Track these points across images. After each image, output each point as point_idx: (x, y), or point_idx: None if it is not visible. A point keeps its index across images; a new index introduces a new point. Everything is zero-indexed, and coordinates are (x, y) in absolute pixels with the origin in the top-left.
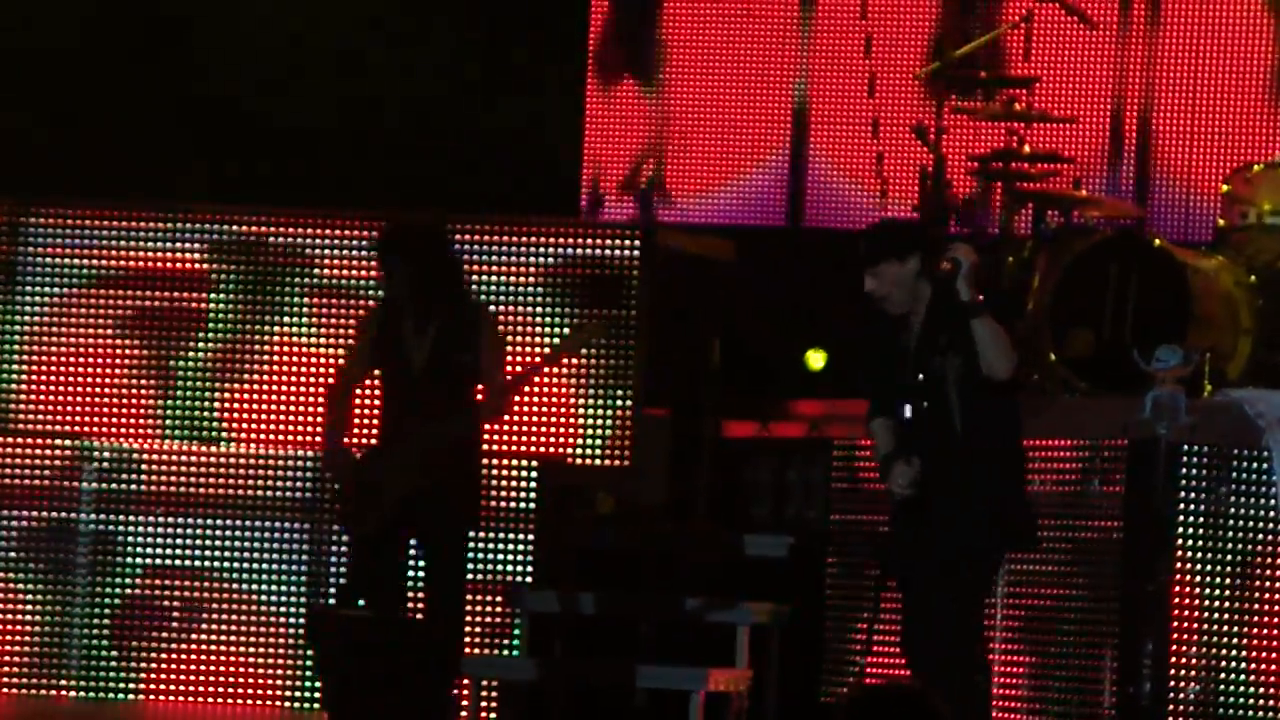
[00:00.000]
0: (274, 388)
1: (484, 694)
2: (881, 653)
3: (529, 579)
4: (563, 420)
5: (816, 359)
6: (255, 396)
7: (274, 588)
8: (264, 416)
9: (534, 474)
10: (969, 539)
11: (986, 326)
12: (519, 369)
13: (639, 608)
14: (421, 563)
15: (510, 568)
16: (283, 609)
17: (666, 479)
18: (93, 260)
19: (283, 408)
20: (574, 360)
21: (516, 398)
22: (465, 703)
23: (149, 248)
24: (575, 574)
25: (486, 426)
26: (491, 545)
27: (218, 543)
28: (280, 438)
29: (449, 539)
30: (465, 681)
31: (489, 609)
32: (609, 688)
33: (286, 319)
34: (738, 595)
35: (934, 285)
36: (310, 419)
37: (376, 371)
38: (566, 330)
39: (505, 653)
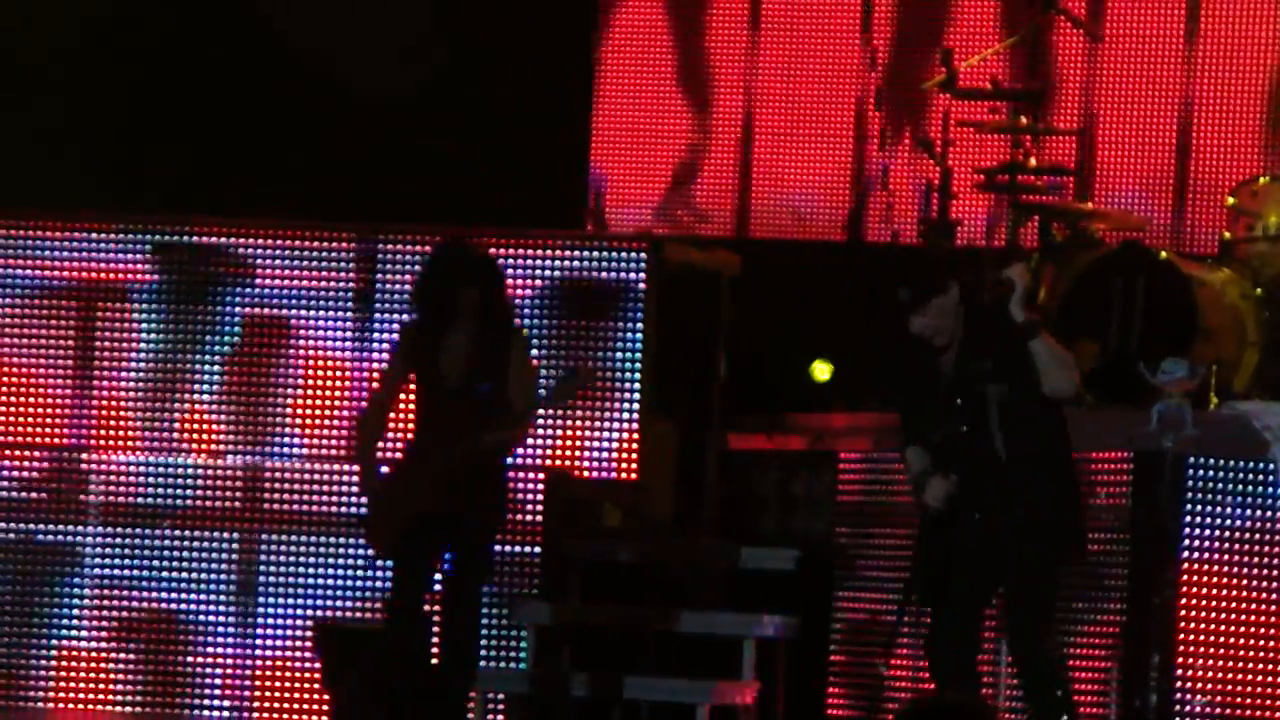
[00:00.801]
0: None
1: (490, 706)
2: (897, 666)
3: (535, 591)
4: (569, 433)
5: (822, 370)
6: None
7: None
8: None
9: (540, 486)
10: (1026, 553)
11: (1046, 345)
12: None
13: (645, 620)
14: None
15: (516, 580)
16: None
17: (672, 492)
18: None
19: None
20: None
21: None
22: (471, 716)
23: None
24: (581, 587)
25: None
26: (497, 557)
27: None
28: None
29: (471, 555)
30: (471, 694)
31: (495, 621)
32: (614, 701)
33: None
34: (744, 608)
35: (968, 309)
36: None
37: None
38: (555, 378)
39: (511, 665)
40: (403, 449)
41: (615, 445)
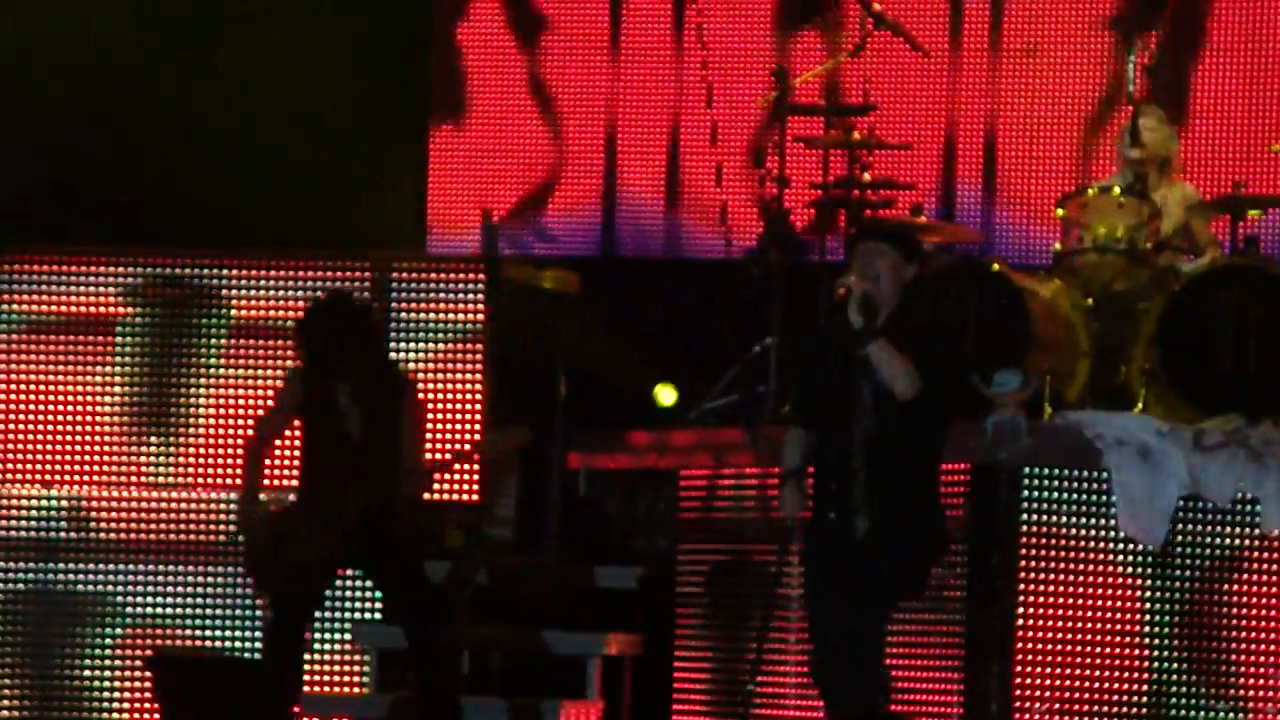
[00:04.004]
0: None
1: None
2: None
3: (377, 615)
4: None
5: (666, 395)
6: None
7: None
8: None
9: None
10: (884, 557)
11: (880, 351)
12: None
13: (490, 641)
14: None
15: (360, 604)
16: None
17: (516, 512)
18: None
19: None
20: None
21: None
22: None
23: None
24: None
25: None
26: (340, 581)
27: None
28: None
29: (394, 569)
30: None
31: (338, 646)
32: None
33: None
34: (588, 627)
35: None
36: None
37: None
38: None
39: (354, 690)
40: (299, 490)
41: (458, 467)
